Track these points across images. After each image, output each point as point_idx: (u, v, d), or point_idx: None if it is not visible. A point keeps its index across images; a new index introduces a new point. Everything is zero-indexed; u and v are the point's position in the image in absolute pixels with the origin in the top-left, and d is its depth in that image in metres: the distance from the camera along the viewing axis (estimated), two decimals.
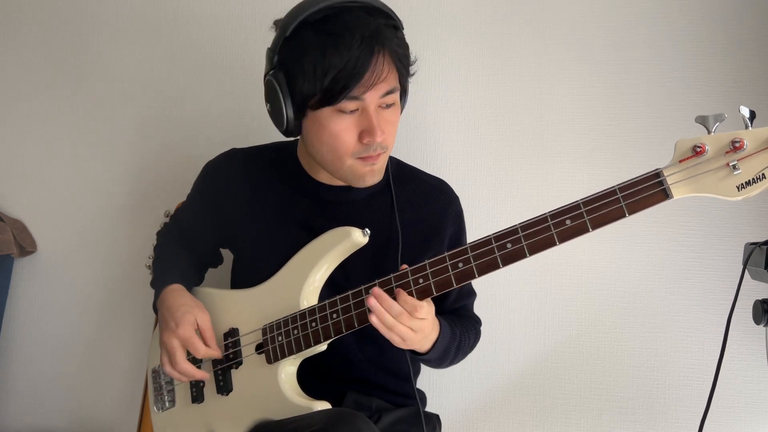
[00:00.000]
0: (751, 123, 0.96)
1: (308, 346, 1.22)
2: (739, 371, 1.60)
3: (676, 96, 1.66)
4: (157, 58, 1.88)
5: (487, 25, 1.74)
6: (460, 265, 1.10)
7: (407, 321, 1.12)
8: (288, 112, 1.21)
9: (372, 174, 1.25)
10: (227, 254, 1.54)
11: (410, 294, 1.13)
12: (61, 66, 1.92)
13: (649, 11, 1.68)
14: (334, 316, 1.20)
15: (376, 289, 1.13)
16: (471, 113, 1.74)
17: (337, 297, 1.20)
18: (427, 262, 1.13)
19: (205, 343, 1.28)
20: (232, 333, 1.32)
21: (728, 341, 1.24)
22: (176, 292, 1.34)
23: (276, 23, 1.23)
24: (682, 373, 1.64)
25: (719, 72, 1.65)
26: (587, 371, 1.68)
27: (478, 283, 1.43)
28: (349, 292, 1.19)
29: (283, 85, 1.19)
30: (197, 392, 1.35)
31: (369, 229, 1.23)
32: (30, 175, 1.93)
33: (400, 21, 1.25)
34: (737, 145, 0.94)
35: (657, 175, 0.99)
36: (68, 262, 1.91)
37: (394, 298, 1.13)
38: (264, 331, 1.27)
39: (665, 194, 0.99)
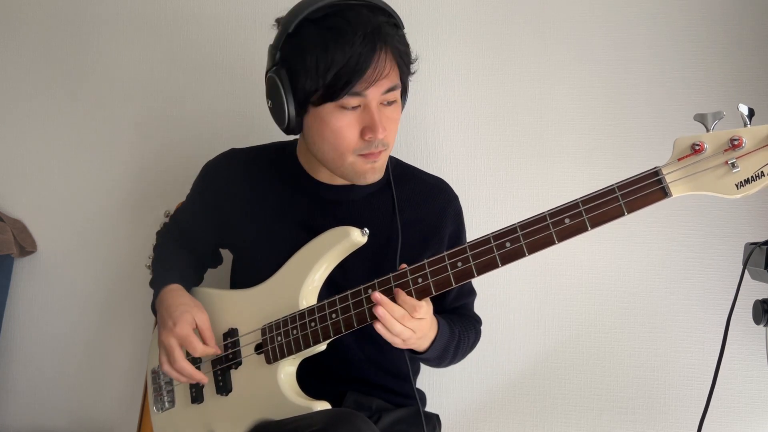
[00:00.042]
0: (750, 121, 0.95)
1: (308, 346, 1.22)
2: (739, 371, 1.60)
3: (676, 96, 1.66)
4: (157, 58, 1.88)
5: (488, 25, 1.74)
6: (459, 264, 1.10)
7: (407, 322, 1.12)
8: (290, 108, 1.21)
9: (373, 171, 1.25)
10: (227, 255, 1.54)
11: (409, 294, 1.13)
12: (61, 66, 1.93)
13: (649, 11, 1.67)
14: (334, 316, 1.20)
15: (378, 296, 1.12)
16: (471, 113, 1.74)
17: (336, 297, 1.20)
18: (425, 261, 1.13)
19: (204, 342, 1.28)
20: (232, 333, 1.32)
21: (728, 341, 1.23)
22: (175, 292, 1.34)
23: (278, 21, 1.24)
24: (682, 373, 1.64)
25: (719, 72, 1.64)
26: (587, 371, 1.68)
27: (478, 283, 1.43)
28: (348, 292, 1.19)
29: (285, 82, 1.20)
30: (197, 393, 1.35)
31: (368, 229, 1.23)
32: (30, 175, 1.93)
33: (400, 20, 1.25)
34: (736, 143, 0.94)
35: (656, 173, 0.99)
36: (68, 262, 1.91)
37: (393, 299, 1.13)
38: (263, 331, 1.27)
39: (664, 192, 0.99)
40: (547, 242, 1.04)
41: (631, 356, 1.66)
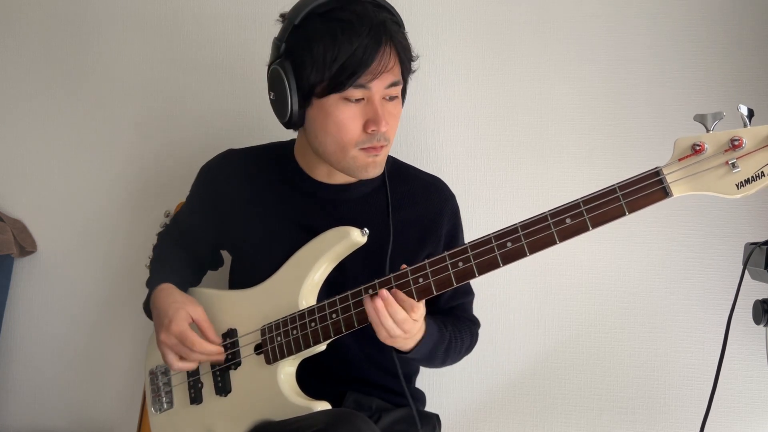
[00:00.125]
0: (750, 121, 0.96)
1: (307, 346, 1.22)
2: (739, 371, 1.60)
3: (676, 96, 1.66)
4: (157, 58, 1.88)
5: (488, 25, 1.74)
6: (460, 264, 1.10)
7: (403, 324, 1.12)
8: (293, 100, 1.22)
9: (374, 165, 1.25)
10: (226, 256, 1.55)
11: (410, 293, 1.13)
12: (61, 66, 1.92)
13: (649, 11, 1.67)
14: (334, 316, 1.20)
15: (385, 293, 1.12)
16: (471, 113, 1.74)
17: (337, 297, 1.20)
18: (426, 261, 1.13)
19: (205, 335, 1.28)
20: (231, 334, 1.32)
21: (728, 341, 1.24)
22: (165, 291, 1.34)
23: (282, 16, 1.25)
24: (682, 373, 1.64)
25: (719, 72, 1.64)
26: (587, 371, 1.68)
27: (478, 284, 1.43)
28: (349, 292, 1.19)
29: (290, 73, 1.20)
30: (196, 393, 1.35)
31: (365, 228, 1.23)
32: (30, 175, 1.93)
33: (401, 20, 1.27)
34: (736, 143, 0.95)
35: (657, 173, 0.99)
36: (68, 262, 1.91)
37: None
38: (263, 332, 1.27)
39: (665, 192, 0.99)
40: (549, 242, 1.05)
41: (631, 356, 1.66)
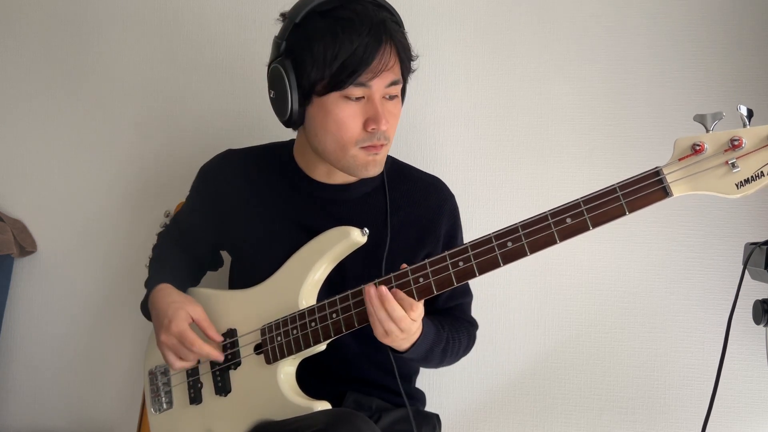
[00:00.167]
0: (749, 121, 0.96)
1: (307, 346, 1.22)
2: (739, 371, 1.60)
3: (676, 96, 1.66)
4: (157, 58, 1.88)
5: (488, 25, 1.74)
6: (461, 263, 1.10)
7: (401, 322, 1.12)
8: (293, 98, 1.22)
9: (374, 164, 1.26)
10: (226, 256, 1.55)
11: (410, 293, 1.13)
12: (61, 66, 1.92)
13: (649, 11, 1.67)
14: (334, 315, 1.20)
15: (384, 290, 1.12)
16: (471, 113, 1.74)
17: (337, 297, 1.20)
18: (427, 261, 1.13)
19: (206, 333, 1.28)
20: (231, 333, 1.32)
21: (728, 341, 1.23)
22: (163, 292, 1.34)
23: (283, 15, 1.25)
24: (682, 373, 1.64)
25: (719, 72, 1.64)
26: (587, 371, 1.68)
27: (478, 284, 1.42)
28: (349, 292, 1.19)
29: (290, 72, 1.21)
30: (195, 393, 1.35)
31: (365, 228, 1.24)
32: (30, 175, 1.93)
33: (401, 20, 1.27)
34: (736, 143, 0.95)
35: (657, 173, 1.00)
36: (68, 262, 1.91)
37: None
38: (263, 332, 1.27)
39: (665, 192, 0.99)
40: (549, 242, 1.05)
41: (631, 356, 1.66)
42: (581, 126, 1.69)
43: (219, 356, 1.28)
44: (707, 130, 0.98)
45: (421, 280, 1.13)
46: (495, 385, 1.71)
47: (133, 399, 1.81)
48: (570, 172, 1.69)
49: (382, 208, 1.36)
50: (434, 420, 1.49)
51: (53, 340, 1.91)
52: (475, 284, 1.45)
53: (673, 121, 1.65)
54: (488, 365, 1.71)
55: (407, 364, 1.39)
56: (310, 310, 1.22)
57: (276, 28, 1.26)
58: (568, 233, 1.04)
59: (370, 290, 1.13)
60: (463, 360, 1.42)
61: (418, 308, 1.13)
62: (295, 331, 1.23)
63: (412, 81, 1.33)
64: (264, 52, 1.31)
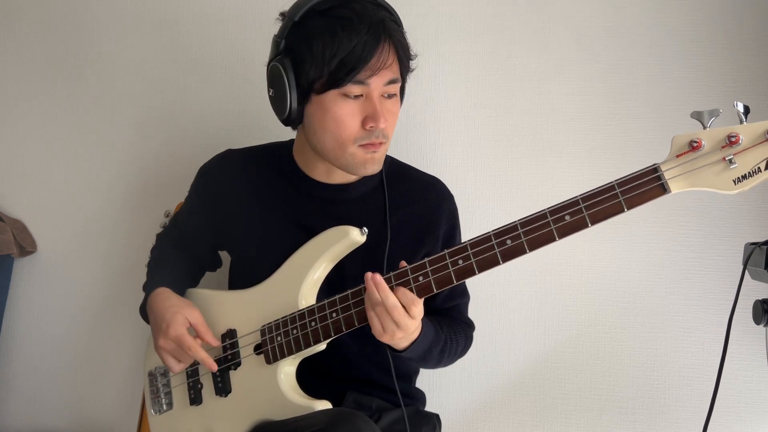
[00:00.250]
0: (746, 118, 0.97)
1: (307, 345, 1.22)
2: (739, 371, 1.60)
3: (676, 96, 1.66)
4: (157, 58, 1.88)
5: (488, 25, 1.74)
6: (460, 262, 1.10)
7: (398, 316, 1.12)
8: (292, 97, 1.23)
9: (373, 162, 1.26)
10: (225, 257, 1.54)
11: (410, 292, 1.13)
12: (61, 66, 1.93)
13: (649, 11, 1.68)
14: (334, 315, 1.20)
15: (378, 278, 1.12)
16: (470, 113, 1.74)
17: (336, 296, 1.20)
18: (426, 260, 1.13)
19: (202, 338, 1.28)
20: (230, 334, 1.32)
21: (728, 341, 1.23)
22: (161, 295, 1.34)
23: (282, 14, 1.26)
24: (682, 373, 1.64)
25: (719, 72, 1.64)
26: (587, 371, 1.68)
27: (478, 284, 1.42)
28: (348, 291, 1.19)
29: (289, 70, 1.21)
30: (195, 394, 1.35)
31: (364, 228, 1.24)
32: (30, 175, 1.93)
33: (400, 20, 1.28)
34: (733, 139, 0.95)
35: (655, 170, 1.00)
36: (68, 262, 1.91)
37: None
38: (263, 332, 1.27)
39: (663, 189, 0.99)
40: (548, 239, 1.05)
41: (631, 356, 1.66)
42: (581, 126, 1.69)
43: (212, 366, 1.27)
44: (704, 127, 0.99)
45: (420, 278, 1.13)
46: (495, 385, 1.71)
47: (133, 399, 1.81)
48: (570, 172, 1.69)
49: (382, 208, 1.36)
50: (434, 420, 1.49)
51: (53, 340, 1.91)
52: (475, 284, 1.45)
53: (672, 121, 1.65)
54: (488, 365, 1.71)
55: (406, 363, 1.39)
56: (310, 310, 1.22)
57: (275, 27, 1.26)
58: (567, 230, 1.04)
59: (368, 273, 1.12)
60: (464, 360, 1.42)
61: (419, 305, 1.13)
62: (295, 331, 1.23)
63: (412, 80, 1.33)
64: (264, 52, 1.31)
